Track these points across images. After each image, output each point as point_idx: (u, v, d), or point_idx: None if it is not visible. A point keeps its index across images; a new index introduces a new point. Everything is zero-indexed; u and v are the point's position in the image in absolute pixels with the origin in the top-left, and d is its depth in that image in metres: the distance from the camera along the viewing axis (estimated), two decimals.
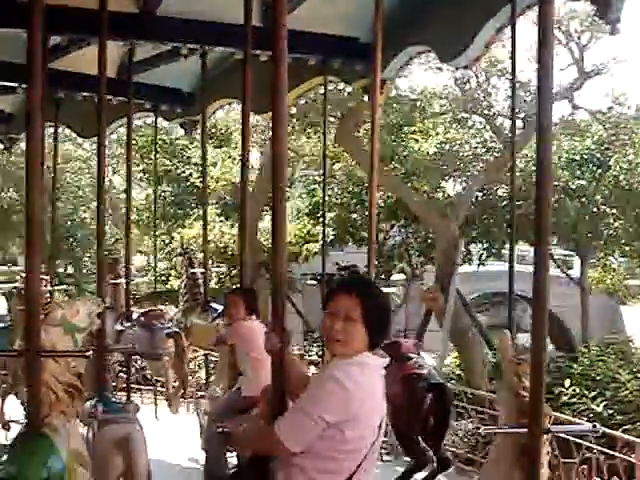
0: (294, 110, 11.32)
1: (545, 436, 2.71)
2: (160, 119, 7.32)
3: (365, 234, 10.09)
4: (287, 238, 2.57)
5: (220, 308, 6.36)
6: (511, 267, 4.02)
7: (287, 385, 2.46)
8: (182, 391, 6.16)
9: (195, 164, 15.46)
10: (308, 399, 2.21)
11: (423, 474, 4.03)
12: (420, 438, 3.66)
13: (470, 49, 4.32)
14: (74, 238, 17.95)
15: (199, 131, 6.83)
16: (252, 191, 12.33)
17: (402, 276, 14.89)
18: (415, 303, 10.84)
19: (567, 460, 4.56)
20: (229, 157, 14.83)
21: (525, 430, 2.68)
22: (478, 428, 3.83)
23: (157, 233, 12.59)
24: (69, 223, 17.83)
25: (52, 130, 7.21)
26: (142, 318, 6.00)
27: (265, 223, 13.43)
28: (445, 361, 9.03)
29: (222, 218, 14.36)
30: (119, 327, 5.59)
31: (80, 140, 14.33)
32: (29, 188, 2.67)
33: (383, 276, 14.45)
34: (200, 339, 6.07)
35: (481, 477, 3.12)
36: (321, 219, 13.37)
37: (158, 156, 15.07)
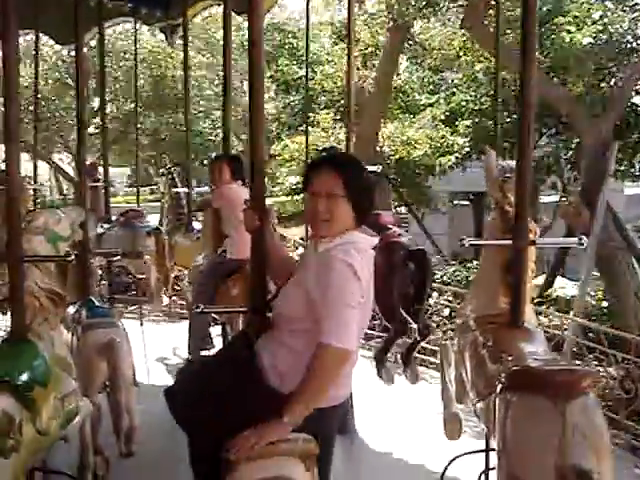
0: None
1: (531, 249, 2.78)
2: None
3: (508, 145, 9.34)
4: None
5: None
6: None
7: (268, 264, 2.53)
8: (164, 288, 6.32)
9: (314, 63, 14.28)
10: (337, 291, 2.19)
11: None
12: (400, 307, 3.72)
13: None
14: None
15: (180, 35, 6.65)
16: (368, 94, 11.81)
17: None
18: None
19: None
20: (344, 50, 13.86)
21: (509, 242, 2.77)
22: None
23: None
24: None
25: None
26: (122, 218, 6.15)
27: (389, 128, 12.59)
28: (587, 289, 7.74)
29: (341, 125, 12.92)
30: (99, 230, 5.59)
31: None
32: (6, 95, 2.70)
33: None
34: (185, 258, 6.20)
35: (467, 297, 3.22)
36: (459, 127, 12.59)
37: (287, 62, 14.78)
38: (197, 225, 6.60)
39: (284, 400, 2.17)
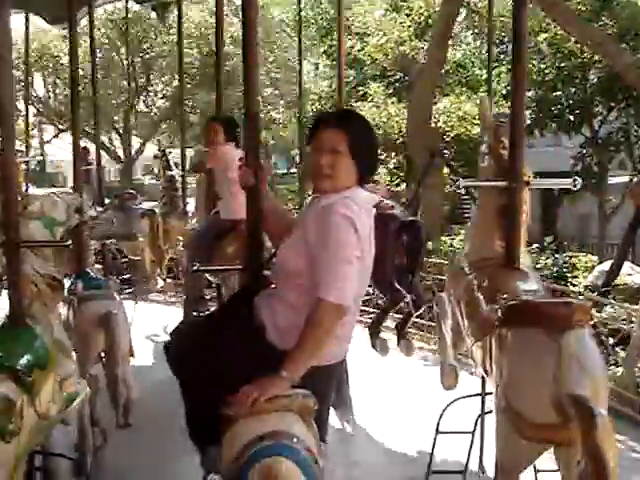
0: None
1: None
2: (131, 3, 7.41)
3: (573, 118, 9.15)
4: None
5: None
6: None
7: (263, 221, 2.56)
8: (158, 269, 6.38)
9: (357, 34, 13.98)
10: (335, 246, 2.19)
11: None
12: (393, 278, 3.73)
13: None
14: None
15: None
16: (420, 66, 11.33)
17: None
18: None
19: None
20: (396, 21, 13.11)
21: (504, 183, 2.84)
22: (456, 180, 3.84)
23: None
24: None
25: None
26: (116, 201, 6.22)
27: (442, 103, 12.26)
28: None
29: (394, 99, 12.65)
30: (92, 212, 5.64)
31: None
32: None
33: (597, 169, 12.53)
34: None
35: (463, 241, 3.23)
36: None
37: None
38: (191, 207, 6.65)
39: (284, 356, 2.18)
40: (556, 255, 7.87)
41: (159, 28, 16.41)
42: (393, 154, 12.17)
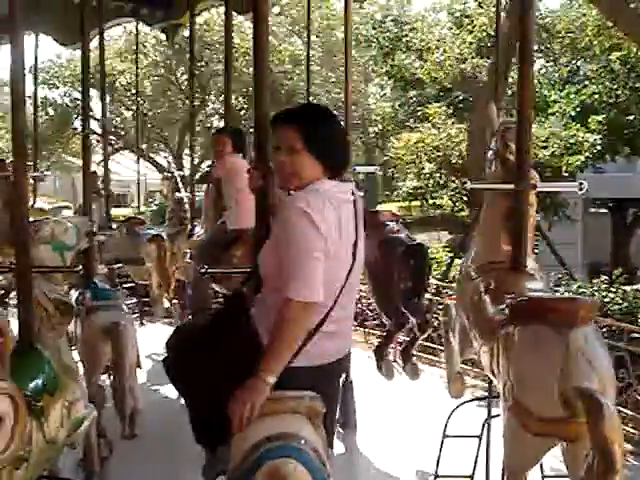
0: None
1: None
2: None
3: None
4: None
5: None
6: None
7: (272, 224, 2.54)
8: (165, 293, 6.38)
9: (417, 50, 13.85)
10: (293, 242, 2.19)
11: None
12: (399, 302, 3.86)
13: None
14: None
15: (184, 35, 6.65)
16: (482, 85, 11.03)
17: None
18: None
19: None
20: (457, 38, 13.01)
21: (511, 187, 2.87)
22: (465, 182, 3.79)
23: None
24: None
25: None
26: (123, 226, 6.30)
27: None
28: None
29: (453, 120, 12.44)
30: (101, 237, 5.72)
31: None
32: (13, 96, 2.74)
33: None
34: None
35: (471, 246, 3.34)
36: (590, 124, 11.34)
37: (403, 56, 14.11)
38: (199, 230, 6.65)
39: None
40: (625, 288, 7.36)
41: (215, 45, 16.49)
42: (454, 178, 11.83)
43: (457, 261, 7.83)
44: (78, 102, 17.15)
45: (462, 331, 3.10)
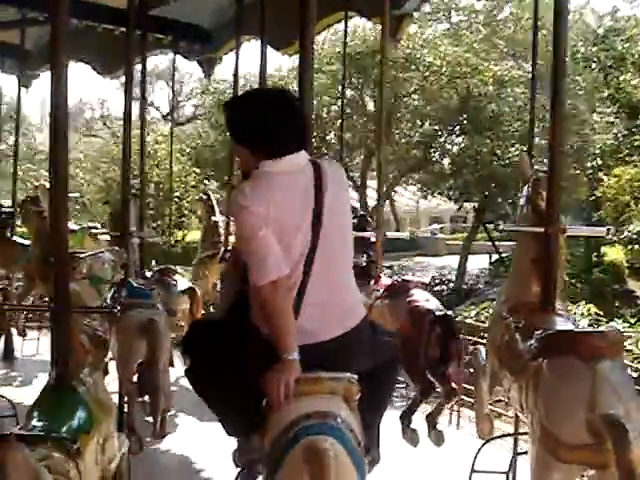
0: None
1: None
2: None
3: None
4: None
5: None
6: None
7: None
8: None
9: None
10: (237, 232, 2.42)
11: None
12: (426, 370, 4.03)
13: None
14: None
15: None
16: None
17: None
18: None
19: None
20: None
21: (541, 230, 3.01)
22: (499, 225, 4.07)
23: None
24: None
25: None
26: (157, 275, 6.26)
27: None
28: None
29: None
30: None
31: None
32: (55, 131, 2.72)
33: None
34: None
35: (501, 288, 3.54)
36: None
37: (629, 77, 12.48)
38: None
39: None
40: None
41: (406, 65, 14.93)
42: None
43: None
44: None
45: (492, 369, 3.22)
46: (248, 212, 2.28)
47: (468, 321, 6.90)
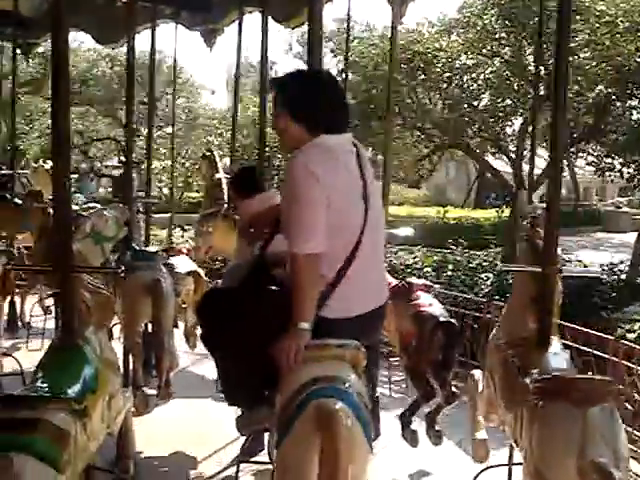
0: None
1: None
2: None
3: None
4: None
5: None
6: None
7: None
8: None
9: None
10: (291, 194, 2.35)
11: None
12: (428, 373, 4.11)
13: None
14: None
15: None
16: None
17: None
18: None
19: None
20: None
21: (539, 269, 3.07)
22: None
23: None
24: None
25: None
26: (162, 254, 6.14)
27: None
28: None
29: None
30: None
31: None
32: (54, 96, 2.74)
33: None
34: (223, 243, 6.13)
35: (499, 323, 3.58)
36: None
37: None
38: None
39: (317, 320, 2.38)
40: None
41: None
42: None
43: None
44: None
45: (488, 398, 3.34)
46: (309, 173, 2.30)
47: (630, 336, 4.88)
